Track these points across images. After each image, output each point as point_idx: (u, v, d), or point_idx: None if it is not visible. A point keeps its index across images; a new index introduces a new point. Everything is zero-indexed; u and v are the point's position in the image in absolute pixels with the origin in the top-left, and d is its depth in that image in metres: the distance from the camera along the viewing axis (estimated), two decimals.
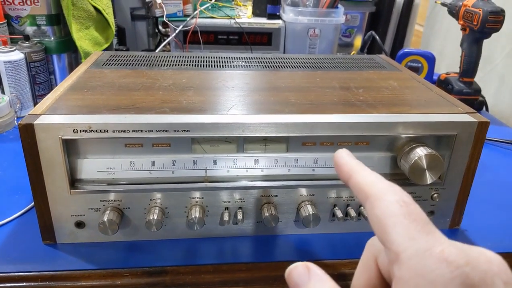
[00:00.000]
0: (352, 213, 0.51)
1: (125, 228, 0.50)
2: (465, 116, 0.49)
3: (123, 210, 0.49)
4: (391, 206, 0.24)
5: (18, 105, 0.87)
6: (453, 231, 0.55)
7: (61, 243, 0.50)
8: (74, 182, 0.47)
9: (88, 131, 0.44)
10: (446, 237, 0.23)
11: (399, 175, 0.51)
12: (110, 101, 0.50)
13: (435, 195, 0.52)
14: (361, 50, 1.06)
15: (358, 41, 1.41)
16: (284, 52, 1.14)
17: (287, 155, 0.50)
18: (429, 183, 0.48)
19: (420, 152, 0.47)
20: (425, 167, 0.47)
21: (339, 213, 0.51)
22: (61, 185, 0.46)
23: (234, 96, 0.55)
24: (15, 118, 0.84)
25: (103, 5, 0.99)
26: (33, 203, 0.57)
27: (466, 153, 0.50)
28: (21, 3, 0.90)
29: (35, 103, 0.92)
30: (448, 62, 1.32)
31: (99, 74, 0.61)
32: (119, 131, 0.44)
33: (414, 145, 0.48)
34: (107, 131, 0.44)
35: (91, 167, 0.47)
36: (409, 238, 0.23)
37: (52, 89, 0.97)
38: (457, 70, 0.98)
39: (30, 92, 0.89)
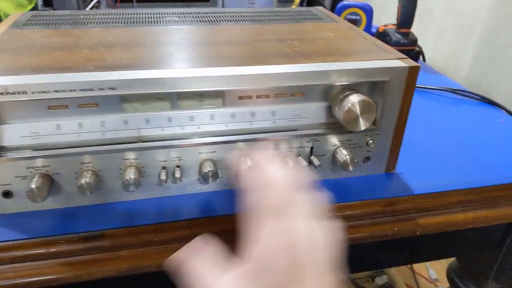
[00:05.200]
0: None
1: (57, 194, 0.47)
2: (396, 61, 0.50)
3: (53, 176, 0.46)
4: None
5: None
6: (388, 175, 0.56)
7: None
8: None
9: (5, 93, 0.41)
10: None
11: (335, 124, 0.52)
12: (29, 62, 0.47)
13: (370, 141, 0.52)
14: (301, 3, 1.05)
15: None
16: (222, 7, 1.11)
17: (224, 110, 0.49)
18: (363, 129, 0.48)
19: (353, 99, 0.47)
20: (358, 113, 0.47)
21: None
22: None
23: (165, 51, 0.52)
24: None
25: None
26: None
27: (398, 98, 0.51)
28: None
29: None
30: (389, 17, 1.34)
31: (18, 35, 0.56)
32: (39, 92, 0.41)
33: (347, 93, 0.48)
34: (25, 93, 0.41)
35: (13, 132, 0.44)
36: None
37: None
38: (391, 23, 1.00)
39: None
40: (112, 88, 0.43)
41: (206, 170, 0.48)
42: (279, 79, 0.47)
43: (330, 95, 0.50)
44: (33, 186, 0.44)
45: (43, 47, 0.52)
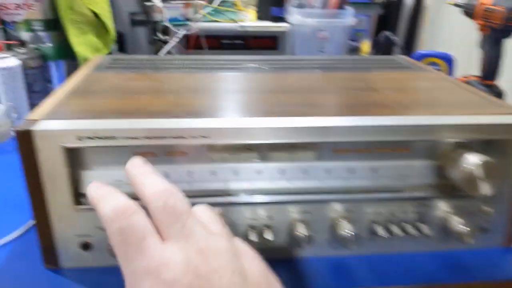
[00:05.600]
0: (396, 230, 0.45)
1: None
2: None
3: None
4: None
5: (14, 115, 0.81)
6: (509, 250, 0.48)
7: (65, 268, 0.44)
8: (79, 196, 0.41)
9: (94, 138, 0.38)
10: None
11: (446, 186, 0.46)
12: (115, 105, 0.45)
13: (489, 208, 0.46)
14: (376, 52, 1.01)
15: (365, 46, 1.37)
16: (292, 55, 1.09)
17: (318, 164, 0.45)
18: (488, 194, 0.42)
19: (474, 159, 0.41)
20: (482, 177, 0.41)
21: (380, 231, 0.45)
22: (64, 200, 0.40)
23: (251, 99, 0.49)
24: (11, 128, 0.78)
25: (101, 9, 0.94)
26: (33, 221, 0.51)
27: None
28: (17, 8, 0.85)
29: None
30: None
31: (101, 77, 0.55)
32: (128, 137, 0.39)
33: (464, 152, 0.42)
34: (115, 138, 0.38)
35: (97, 179, 0.41)
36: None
37: None
38: (469, 73, 0.94)
39: (26, 101, 0.84)
40: (204, 137, 0.40)
41: (298, 233, 0.43)
42: (380, 133, 0.42)
43: (440, 153, 0.45)
44: None
45: (128, 90, 0.50)
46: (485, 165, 0.41)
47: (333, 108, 0.47)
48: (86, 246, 0.43)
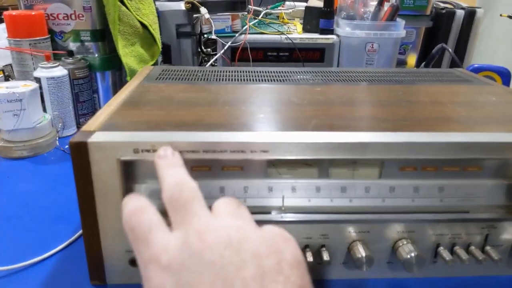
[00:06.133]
0: (462, 254, 0.42)
1: None
2: None
3: None
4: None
5: (60, 124, 0.81)
6: None
7: (111, 284, 0.42)
8: None
9: (152, 151, 0.36)
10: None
11: None
12: (171, 116, 0.43)
13: None
14: (426, 65, 0.98)
15: (411, 59, 1.32)
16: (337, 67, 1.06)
17: (381, 182, 0.42)
18: None
19: None
20: None
21: (445, 254, 0.41)
22: (116, 215, 0.39)
23: (311, 111, 0.47)
24: (57, 138, 0.79)
25: (150, 20, 0.94)
26: (78, 233, 0.50)
27: None
28: (66, 18, 0.85)
29: (78, 123, 0.87)
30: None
31: (154, 88, 0.54)
32: (187, 151, 0.37)
33: None
34: None
35: (151, 193, 0.40)
36: None
37: (95, 108, 0.92)
38: None
39: (72, 111, 0.84)
40: (264, 151, 0.38)
41: (358, 255, 0.40)
42: (450, 150, 0.39)
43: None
44: None
45: (182, 101, 0.48)
46: None
47: (399, 122, 0.44)
48: (134, 262, 0.41)
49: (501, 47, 1.26)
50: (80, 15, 0.85)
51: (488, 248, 0.42)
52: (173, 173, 0.32)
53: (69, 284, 0.43)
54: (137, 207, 0.30)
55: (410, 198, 0.42)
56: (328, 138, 0.39)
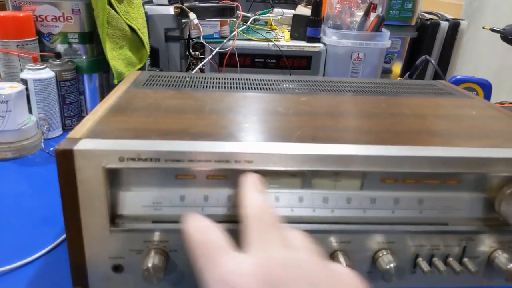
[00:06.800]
0: (440, 265, 0.43)
1: (170, 275, 0.42)
2: None
3: (169, 253, 0.41)
4: None
5: (46, 126, 0.81)
6: None
7: None
8: (114, 218, 0.40)
9: (137, 159, 0.37)
10: None
11: (494, 220, 0.43)
12: (158, 124, 0.44)
13: None
14: (410, 76, 0.99)
15: (396, 68, 1.34)
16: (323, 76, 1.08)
17: (363, 193, 0.42)
18: None
19: None
20: None
21: (424, 265, 0.43)
22: (99, 221, 0.39)
23: (294, 122, 0.48)
24: (42, 140, 0.78)
25: (139, 24, 0.94)
26: (62, 237, 0.50)
27: None
28: (54, 20, 0.85)
29: (64, 125, 0.87)
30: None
31: (141, 94, 0.54)
32: (172, 160, 0.37)
33: None
34: (158, 161, 0.37)
35: (136, 201, 0.40)
36: None
37: (81, 111, 0.92)
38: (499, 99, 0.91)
39: (58, 113, 0.84)
40: (249, 162, 0.38)
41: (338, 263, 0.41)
42: (430, 164, 0.40)
43: (491, 186, 0.42)
44: (150, 264, 0.39)
45: (169, 109, 0.49)
46: None
47: (381, 134, 0.45)
48: (117, 268, 0.41)
49: (484, 59, 1.29)
50: (69, 18, 0.85)
51: (465, 260, 0.44)
52: (254, 196, 0.35)
53: None
54: (204, 226, 0.32)
55: (391, 210, 0.43)
56: (311, 150, 0.39)
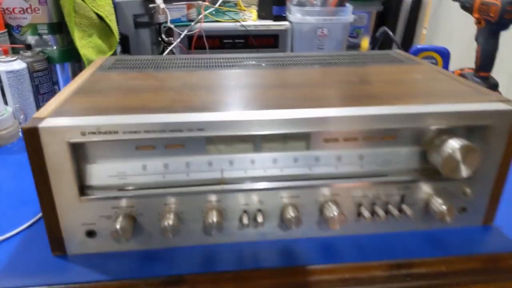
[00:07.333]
0: (380, 212, 0.48)
1: (139, 236, 0.46)
2: (499, 104, 0.46)
3: (136, 217, 0.46)
4: None
5: (22, 116, 0.84)
6: (486, 228, 0.51)
7: (71, 254, 0.47)
8: (83, 189, 0.44)
9: (97, 133, 0.41)
10: None
11: (428, 170, 0.48)
12: (118, 102, 0.47)
13: (467, 190, 0.48)
14: (373, 47, 1.03)
15: (365, 42, 1.38)
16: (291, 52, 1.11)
17: (308, 153, 0.47)
18: (465, 176, 0.44)
19: (454, 144, 0.43)
20: (460, 160, 0.44)
21: (365, 213, 0.48)
22: (69, 192, 0.43)
23: (248, 93, 0.52)
24: (19, 130, 0.82)
25: (106, 12, 0.97)
26: (40, 214, 0.54)
27: (501, 144, 0.46)
28: (22, 12, 0.88)
29: None
30: (453, 62, 1.29)
31: (105, 77, 0.58)
32: (130, 132, 0.41)
33: (446, 138, 0.45)
34: (117, 133, 0.41)
35: (101, 172, 0.44)
36: None
37: None
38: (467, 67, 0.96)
39: (34, 103, 0.87)
40: (200, 129, 0.42)
41: (288, 216, 0.46)
42: (369, 122, 0.45)
43: (424, 140, 0.47)
44: (118, 226, 0.43)
45: (130, 88, 0.53)
46: (464, 149, 0.43)
47: (326, 100, 0.49)
48: (90, 234, 0.46)
49: (457, 30, 1.33)
50: (36, 9, 0.88)
51: (404, 206, 0.48)
52: None
53: (34, 257, 0.47)
54: None
55: (334, 166, 0.47)
56: (258, 116, 0.44)
